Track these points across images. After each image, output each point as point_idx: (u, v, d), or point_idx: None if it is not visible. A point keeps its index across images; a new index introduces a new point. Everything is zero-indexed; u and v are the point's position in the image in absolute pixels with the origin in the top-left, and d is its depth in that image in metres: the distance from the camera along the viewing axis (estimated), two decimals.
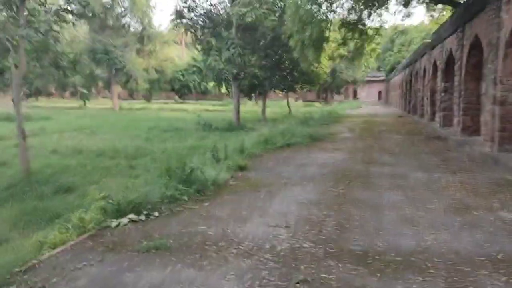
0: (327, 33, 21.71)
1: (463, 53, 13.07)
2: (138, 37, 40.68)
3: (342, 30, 24.09)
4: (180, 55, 63.79)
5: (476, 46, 12.14)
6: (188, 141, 16.91)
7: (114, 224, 5.36)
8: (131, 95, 65.39)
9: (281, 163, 9.85)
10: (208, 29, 23.77)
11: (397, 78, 42.77)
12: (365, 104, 58.24)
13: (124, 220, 5.46)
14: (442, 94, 16.80)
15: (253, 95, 30.62)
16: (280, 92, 38.81)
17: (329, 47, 34.82)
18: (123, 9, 38.56)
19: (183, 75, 53.69)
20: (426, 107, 21.14)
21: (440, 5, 26.31)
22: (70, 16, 13.17)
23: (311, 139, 14.12)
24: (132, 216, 5.60)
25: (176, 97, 66.50)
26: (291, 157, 10.76)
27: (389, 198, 6.45)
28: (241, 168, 8.88)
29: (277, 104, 47.77)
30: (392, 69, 64.12)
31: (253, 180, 7.96)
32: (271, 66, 26.49)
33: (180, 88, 58.06)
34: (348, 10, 26.56)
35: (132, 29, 40.86)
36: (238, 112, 23.27)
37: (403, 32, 79.12)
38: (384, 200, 6.34)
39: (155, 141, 17.48)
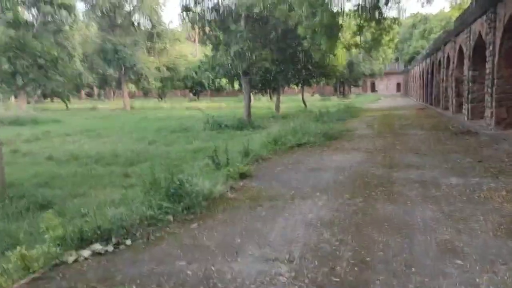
0: (340, 20, 20.13)
1: (496, 37, 11.60)
2: (147, 35, 39.77)
3: (357, 17, 22.47)
4: (194, 52, 62.89)
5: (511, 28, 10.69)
6: (195, 143, 15.81)
7: (71, 258, 4.24)
8: (146, 94, 64.78)
9: (290, 168, 8.63)
10: (216, 23, 22.65)
11: (417, 69, 40.93)
12: (384, 97, 56.42)
13: (85, 253, 4.34)
14: (470, 83, 15.30)
15: (266, 90, 29.31)
16: (296, 87, 37.51)
17: (344, 37, 33.40)
18: (131, 7, 37.73)
19: (196, 72, 52.61)
20: (451, 99, 19.58)
21: None
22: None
23: (326, 138, 12.84)
24: (97, 246, 4.48)
25: (191, 95, 65.70)
26: (302, 160, 9.53)
27: (420, 215, 5.18)
28: (243, 176, 7.69)
29: (292, 99, 46.49)
30: (411, 59, 62.02)
31: (255, 191, 6.77)
32: (284, 60, 25.22)
33: (194, 86, 57.10)
34: None
35: (142, 28, 39.97)
36: (249, 109, 22.07)
37: (422, 21, 76.74)
38: (414, 218, 5.07)
39: (160, 143, 16.41)
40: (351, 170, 8.17)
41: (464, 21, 16.33)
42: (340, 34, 27.78)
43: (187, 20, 22.77)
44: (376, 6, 25.72)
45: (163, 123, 24.86)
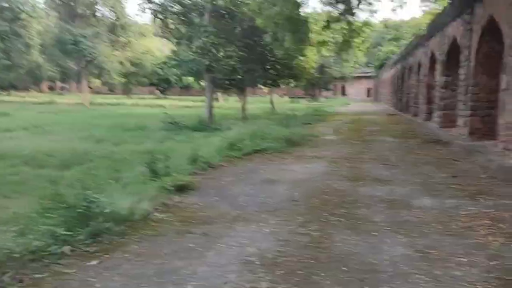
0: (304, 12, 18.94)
1: (472, 40, 10.77)
2: (110, 27, 37.81)
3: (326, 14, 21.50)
4: (162, 47, 60.98)
5: (491, 30, 9.84)
6: (147, 144, 14.40)
7: None
8: (112, 90, 62.33)
9: (242, 179, 7.44)
10: (179, 16, 21.27)
11: (388, 74, 40.63)
12: (354, 102, 56.18)
13: None
14: (442, 90, 14.54)
15: (233, 90, 28.01)
16: (265, 88, 36.32)
17: (313, 36, 32.58)
18: None
19: (161, 68, 50.81)
20: (421, 105, 18.87)
21: None
22: None
23: (288, 144, 11.73)
24: None
25: (158, 92, 63.71)
26: (257, 170, 8.35)
27: (388, 253, 4.06)
28: (183, 189, 6.43)
29: (261, 101, 45.38)
30: (382, 65, 61.99)
31: (191, 210, 5.53)
32: (251, 59, 24.03)
33: (159, 83, 55.27)
34: None
35: (104, 19, 37.96)
36: (210, 109, 20.75)
37: (394, 26, 77.28)
38: (381, 257, 3.95)
39: (110, 143, 14.93)
40: (310, 184, 7.04)
41: (437, 24, 15.59)
42: (308, 32, 26.92)
43: (148, 11, 21.38)
44: (347, 9, 24.98)
45: (119, 120, 23.24)
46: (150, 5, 21.40)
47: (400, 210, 5.47)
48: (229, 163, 9.06)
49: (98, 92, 75.94)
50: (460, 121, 11.61)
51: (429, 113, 17.79)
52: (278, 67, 26.94)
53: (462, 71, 11.51)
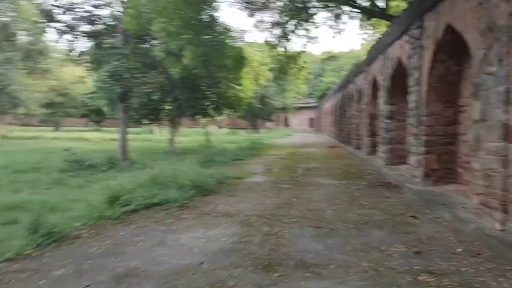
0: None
1: (424, 60, 8.61)
2: (26, 52, 33.77)
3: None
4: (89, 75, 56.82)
5: (447, 46, 7.71)
6: (24, 192, 11.01)
7: None
8: (45, 122, 56.74)
9: (83, 273, 4.47)
10: (88, 36, 18.25)
11: (328, 104, 39.28)
12: (296, 132, 54.65)
13: None
14: (387, 120, 12.40)
15: (158, 121, 24.94)
16: (203, 118, 33.36)
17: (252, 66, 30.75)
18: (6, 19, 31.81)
19: (91, 98, 46.78)
20: (364, 137, 16.79)
21: (373, 20, 22.86)
22: None
23: (198, 191, 8.91)
24: None
25: (93, 124, 59.09)
26: (124, 246, 5.41)
27: None
28: None
29: (198, 132, 42.47)
30: (323, 95, 61.51)
31: None
32: (178, 87, 21.27)
33: (88, 114, 51.03)
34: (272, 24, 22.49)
35: (18, 43, 33.89)
36: (124, 143, 17.59)
37: (334, 58, 77.99)
38: None
39: None
40: (192, 280, 4.21)
41: (379, 47, 13.64)
42: (242, 60, 24.83)
43: (51, 30, 18.18)
44: (284, 34, 23.09)
45: (18, 158, 19.41)
46: (56, 24, 18.32)
47: None
48: (94, 230, 6.08)
49: (27, 125, 69.94)
50: (412, 159, 9.34)
51: (373, 147, 15.71)
52: (212, 96, 24.37)
53: (412, 97, 9.32)
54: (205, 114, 25.49)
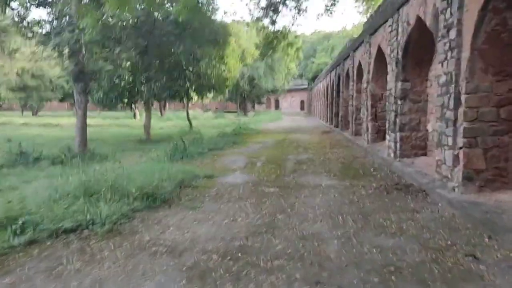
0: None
1: (466, 10, 5.97)
2: None
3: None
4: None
5: None
6: None
7: None
8: (25, 106, 53.30)
9: None
10: (38, 4, 15.29)
11: (321, 85, 36.58)
12: (287, 115, 52.08)
13: None
14: (399, 101, 9.80)
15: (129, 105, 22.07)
16: (189, 101, 30.33)
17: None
18: None
19: (67, 81, 43.59)
20: (365, 123, 14.20)
21: None
22: None
23: (146, 203, 6.31)
24: None
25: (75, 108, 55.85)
26: None
27: None
28: None
29: (181, 116, 39.59)
30: (314, 77, 58.73)
31: None
32: (149, 65, 18.44)
33: (65, 98, 47.83)
34: None
35: None
36: (83, 131, 14.82)
37: (325, 37, 75.13)
38: None
39: None
40: None
41: (387, 8, 10.96)
42: (226, 36, 22.23)
43: None
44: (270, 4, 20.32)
45: None
46: None
47: None
48: None
49: (7, 110, 66.56)
50: (442, 154, 6.78)
51: (377, 133, 13.15)
52: (189, 76, 21.54)
53: (444, 68, 6.69)
54: (183, 97, 22.70)
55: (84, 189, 6.50)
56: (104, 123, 35.48)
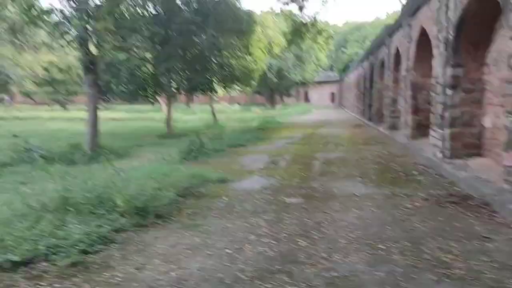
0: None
1: None
2: (12, 24, 30.13)
3: None
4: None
5: None
6: None
7: None
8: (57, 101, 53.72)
9: None
10: None
11: (353, 76, 34.70)
12: (316, 108, 50.20)
13: None
14: (449, 91, 8.18)
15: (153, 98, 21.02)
16: (213, 94, 29.05)
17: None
18: None
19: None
20: (404, 116, 12.55)
21: None
22: None
23: (133, 220, 5.05)
24: None
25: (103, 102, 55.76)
26: None
27: None
28: None
29: (207, 110, 38.43)
30: (346, 68, 56.51)
31: None
32: (170, 56, 17.26)
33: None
34: None
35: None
36: (94, 128, 13.79)
37: (356, 27, 72.56)
38: None
39: None
40: None
41: None
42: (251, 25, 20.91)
43: None
44: None
45: None
46: None
47: None
48: None
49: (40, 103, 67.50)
50: None
51: (419, 129, 11.51)
52: (212, 67, 20.26)
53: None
54: (207, 89, 21.45)
55: (61, 201, 5.31)
56: (128, 116, 34.76)
